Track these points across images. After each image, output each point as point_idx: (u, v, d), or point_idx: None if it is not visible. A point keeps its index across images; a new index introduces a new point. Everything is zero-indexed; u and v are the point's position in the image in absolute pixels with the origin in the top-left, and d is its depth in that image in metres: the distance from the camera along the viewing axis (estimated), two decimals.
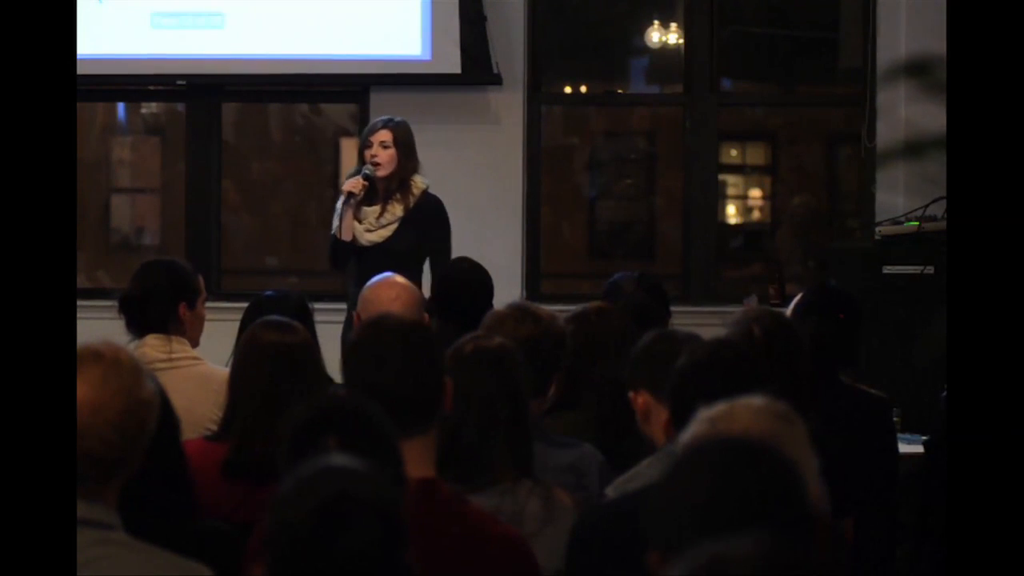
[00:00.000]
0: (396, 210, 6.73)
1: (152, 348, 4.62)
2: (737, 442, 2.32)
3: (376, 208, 6.75)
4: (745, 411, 2.62)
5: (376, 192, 6.75)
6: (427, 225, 6.72)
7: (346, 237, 6.77)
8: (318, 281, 10.28)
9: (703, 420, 2.59)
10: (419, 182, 6.78)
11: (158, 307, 4.67)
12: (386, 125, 6.78)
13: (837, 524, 3.42)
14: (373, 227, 6.74)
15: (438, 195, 6.85)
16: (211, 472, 3.67)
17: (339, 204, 6.80)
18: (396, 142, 6.73)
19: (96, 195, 10.30)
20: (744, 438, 2.41)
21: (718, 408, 2.63)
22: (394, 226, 6.72)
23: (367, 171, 6.74)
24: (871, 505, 4.54)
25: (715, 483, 2.15)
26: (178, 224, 9.25)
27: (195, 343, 4.79)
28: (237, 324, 4.72)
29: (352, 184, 6.75)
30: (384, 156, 6.72)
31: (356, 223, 6.76)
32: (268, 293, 5.09)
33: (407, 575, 2.27)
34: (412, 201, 6.73)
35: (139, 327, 4.68)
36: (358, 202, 6.76)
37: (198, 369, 4.64)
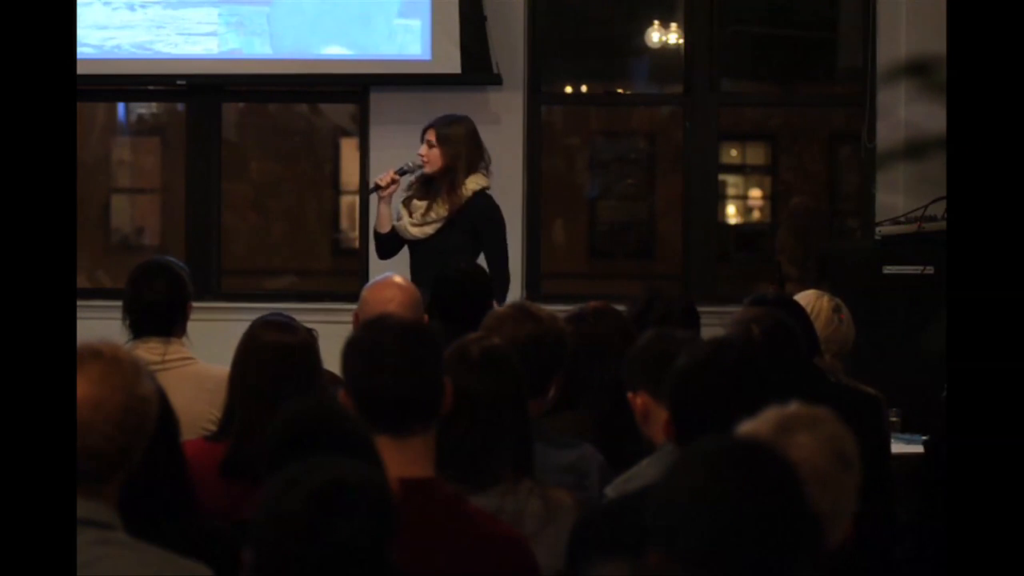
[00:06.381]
0: (440, 210, 6.76)
1: (147, 351, 4.60)
2: (737, 442, 2.32)
3: (424, 204, 6.78)
4: (810, 441, 2.57)
5: (431, 187, 6.80)
6: (476, 227, 6.75)
7: (382, 229, 6.88)
8: (318, 281, 10.28)
9: (770, 424, 2.57)
10: (471, 184, 6.78)
11: (165, 314, 4.68)
12: (433, 123, 6.85)
13: None
14: (418, 222, 6.79)
15: None
16: (210, 472, 3.67)
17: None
18: (440, 141, 6.76)
19: (96, 195, 10.30)
20: (744, 438, 2.41)
21: (791, 417, 2.59)
22: (437, 224, 6.76)
23: (406, 165, 6.85)
24: (868, 505, 4.52)
25: (715, 483, 2.15)
26: (178, 224, 9.25)
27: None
28: (237, 324, 4.71)
29: (380, 177, 6.83)
30: (429, 155, 6.78)
31: (406, 214, 6.82)
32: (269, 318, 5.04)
33: (392, 566, 2.27)
34: (459, 203, 6.73)
35: (141, 330, 4.67)
36: (413, 194, 6.82)
37: (191, 368, 4.63)
